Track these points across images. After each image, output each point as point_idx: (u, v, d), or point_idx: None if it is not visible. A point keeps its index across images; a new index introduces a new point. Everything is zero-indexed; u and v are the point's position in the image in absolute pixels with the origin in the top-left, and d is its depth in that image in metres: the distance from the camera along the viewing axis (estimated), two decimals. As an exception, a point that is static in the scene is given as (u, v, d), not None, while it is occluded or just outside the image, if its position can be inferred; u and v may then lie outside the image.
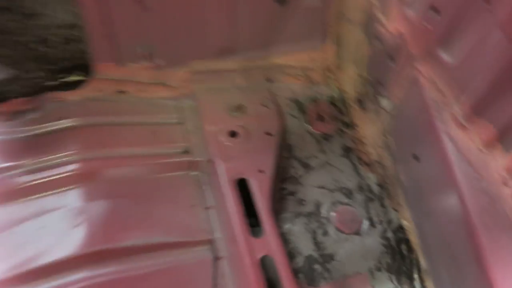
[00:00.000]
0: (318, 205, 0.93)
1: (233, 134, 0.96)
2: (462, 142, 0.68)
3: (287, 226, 0.89)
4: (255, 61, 1.03)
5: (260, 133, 0.97)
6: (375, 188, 0.94)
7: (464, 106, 0.66)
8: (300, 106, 1.04)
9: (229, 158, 0.92)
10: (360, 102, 1.00)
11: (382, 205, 0.92)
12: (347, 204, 0.92)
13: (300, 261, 0.85)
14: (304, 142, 1.01)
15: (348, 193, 0.94)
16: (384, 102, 0.90)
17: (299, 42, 1.01)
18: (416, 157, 0.80)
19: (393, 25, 0.79)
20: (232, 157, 0.92)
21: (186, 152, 0.98)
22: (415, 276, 0.83)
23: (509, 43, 0.55)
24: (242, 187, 0.90)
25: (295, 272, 0.84)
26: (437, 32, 0.69)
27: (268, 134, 0.97)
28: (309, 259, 0.85)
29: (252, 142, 0.94)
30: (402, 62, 0.79)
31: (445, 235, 0.74)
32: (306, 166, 0.98)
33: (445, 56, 0.69)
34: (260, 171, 0.90)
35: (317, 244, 0.87)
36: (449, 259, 0.73)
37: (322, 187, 0.95)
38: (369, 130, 0.99)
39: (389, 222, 0.90)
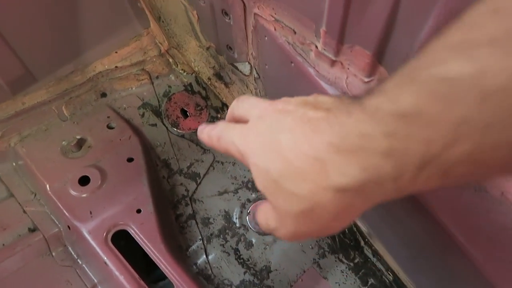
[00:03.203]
0: (227, 216, 0.74)
1: (84, 180, 0.70)
2: (341, 80, 0.54)
3: (200, 261, 0.69)
4: (71, 79, 0.77)
5: (119, 163, 0.73)
6: (279, 166, 0.79)
7: (324, 35, 0.52)
8: (153, 109, 0.82)
9: (91, 213, 0.67)
10: (219, 77, 0.83)
11: (295, 182, 0.77)
12: (257, 198, 0.75)
13: (234, 294, 0.67)
14: (179, 150, 0.80)
15: (254, 186, 0.77)
16: (244, 68, 0.73)
17: (113, 36, 0.77)
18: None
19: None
20: (95, 211, 0.67)
21: (33, 230, 0.71)
22: (362, 243, 0.70)
23: None
24: (125, 240, 0.67)
25: (234, 311, 0.65)
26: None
27: (130, 160, 0.74)
28: (244, 286, 0.67)
29: (112, 180, 0.70)
30: (238, 13, 0.62)
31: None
32: (194, 177, 0.78)
33: (277, -15, 0.54)
34: (138, 211, 0.67)
35: (245, 263, 0.69)
36: (382, 209, 0.61)
37: (223, 192, 0.77)
38: (245, 104, 0.82)
39: (310, 197, 0.75)
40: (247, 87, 0.78)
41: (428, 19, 0.41)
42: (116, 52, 0.79)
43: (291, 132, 0.30)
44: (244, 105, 0.39)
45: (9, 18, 0.65)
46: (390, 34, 0.46)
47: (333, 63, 0.54)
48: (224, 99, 0.85)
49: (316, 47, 0.54)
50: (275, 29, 0.58)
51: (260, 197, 0.75)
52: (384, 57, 0.49)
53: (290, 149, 0.30)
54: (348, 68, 0.53)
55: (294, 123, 0.31)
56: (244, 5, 0.60)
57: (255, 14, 0.59)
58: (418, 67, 0.24)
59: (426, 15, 0.41)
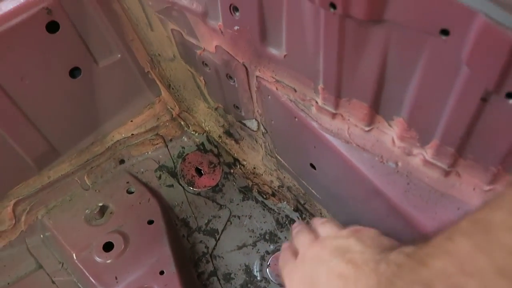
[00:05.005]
0: (247, 270, 0.75)
1: (108, 246, 0.73)
2: (343, 131, 0.57)
3: (226, 318, 0.70)
4: (91, 149, 0.82)
5: (140, 226, 0.76)
6: (295, 216, 0.80)
7: (323, 92, 0.56)
8: (169, 171, 0.86)
9: (116, 279, 0.69)
10: (229, 134, 0.87)
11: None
12: (276, 250, 0.77)
13: None
14: (196, 208, 0.83)
15: (271, 237, 0.78)
16: (252, 124, 0.77)
17: (128, 106, 0.83)
18: (313, 166, 0.68)
19: (209, 43, 0.67)
20: (120, 276, 0.69)
21: (61, 300, 0.73)
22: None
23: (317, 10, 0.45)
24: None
25: None
26: (251, 30, 0.58)
27: (150, 222, 0.77)
28: None
29: (135, 244, 0.73)
30: (241, 76, 0.67)
31: (385, 233, 0.62)
32: (213, 233, 0.80)
33: (274, 51, 0.58)
34: (161, 273, 0.69)
35: (270, 317, 0.69)
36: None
37: (242, 246, 0.78)
38: (255, 158, 0.85)
39: (328, 244, 0.76)
40: (256, 141, 0.82)
41: (416, 69, 0.44)
42: (131, 121, 0.85)
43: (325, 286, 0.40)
44: (296, 239, 0.53)
45: (33, 100, 0.71)
46: (383, 86, 0.50)
47: (334, 115, 0.57)
48: (235, 154, 0.88)
49: (317, 102, 0.58)
50: (276, 89, 0.62)
51: (279, 248, 0.77)
52: (380, 107, 0.52)
53: None
54: (349, 119, 0.56)
55: (327, 278, 0.40)
56: (246, 69, 0.65)
57: (257, 76, 0.64)
58: None
59: (412, 66, 0.45)
